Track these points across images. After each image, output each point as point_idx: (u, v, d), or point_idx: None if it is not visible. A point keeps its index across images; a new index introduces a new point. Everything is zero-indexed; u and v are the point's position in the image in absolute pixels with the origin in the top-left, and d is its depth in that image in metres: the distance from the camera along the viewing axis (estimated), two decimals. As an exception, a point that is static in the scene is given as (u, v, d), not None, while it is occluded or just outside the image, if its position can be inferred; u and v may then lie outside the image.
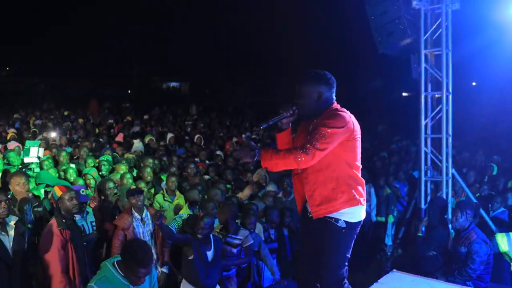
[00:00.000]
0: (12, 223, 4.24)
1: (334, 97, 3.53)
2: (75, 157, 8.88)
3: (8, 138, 11.16)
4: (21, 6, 25.37)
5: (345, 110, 3.46)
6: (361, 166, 3.52)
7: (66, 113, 18.30)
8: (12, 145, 9.31)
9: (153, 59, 32.41)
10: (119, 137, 12.50)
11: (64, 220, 4.44)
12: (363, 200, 3.47)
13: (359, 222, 3.51)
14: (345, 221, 3.42)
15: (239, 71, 29.41)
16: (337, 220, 3.41)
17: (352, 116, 3.45)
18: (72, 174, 6.89)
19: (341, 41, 21.55)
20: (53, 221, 4.43)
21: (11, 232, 4.19)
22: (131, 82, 32.04)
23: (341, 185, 3.38)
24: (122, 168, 7.18)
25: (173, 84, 45.68)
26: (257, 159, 3.32)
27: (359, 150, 3.47)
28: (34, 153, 6.99)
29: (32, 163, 6.79)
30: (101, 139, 11.69)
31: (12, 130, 12.72)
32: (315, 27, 21.40)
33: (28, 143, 7.27)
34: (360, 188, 3.47)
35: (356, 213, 3.45)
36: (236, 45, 26.73)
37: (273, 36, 24.08)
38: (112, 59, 30.64)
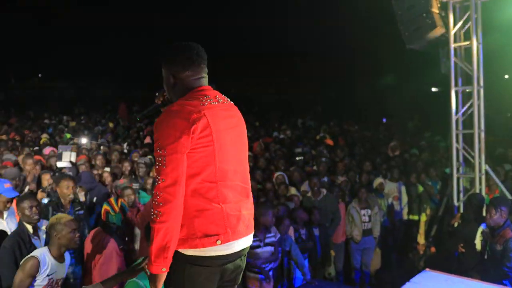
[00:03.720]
0: (44, 227, 4.30)
1: (202, 81, 2.44)
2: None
3: (41, 143, 11.43)
4: (47, 12, 25.94)
5: (192, 101, 2.31)
6: (228, 183, 2.35)
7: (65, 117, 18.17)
8: (48, 150, 9.54)
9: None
10: (147, 140, 12.67)
11: None
12: (216, 239, 2.28)
13: (218, 256, 2.33)
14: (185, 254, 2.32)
15: (263, 70, 29.40)
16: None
17: (208, 108, 2.30)
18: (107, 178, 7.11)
19: (365, 35, 21.23)
20: (113, 240, 4.56)
21: (43, 236, 4.27)
22: (157, 84, 32.47)
23: (183, 216, 2.28)
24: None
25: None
26: (154, 271, 2.24)
27: (216, 162, 2.30)
28: (67, 157, 7.15)
29: (65, 167, 6.95)
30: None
31: (45, 135, 13.01)
32: (339, 19, 21.16)
33: (60, 147, 7.45)
34: (212, 226, 2.29)
35: (204, 252, 2.30)
36: (257, 44, 26.69)
37: (292, 31, 23.95)
38: (138, 61, 31.10)
